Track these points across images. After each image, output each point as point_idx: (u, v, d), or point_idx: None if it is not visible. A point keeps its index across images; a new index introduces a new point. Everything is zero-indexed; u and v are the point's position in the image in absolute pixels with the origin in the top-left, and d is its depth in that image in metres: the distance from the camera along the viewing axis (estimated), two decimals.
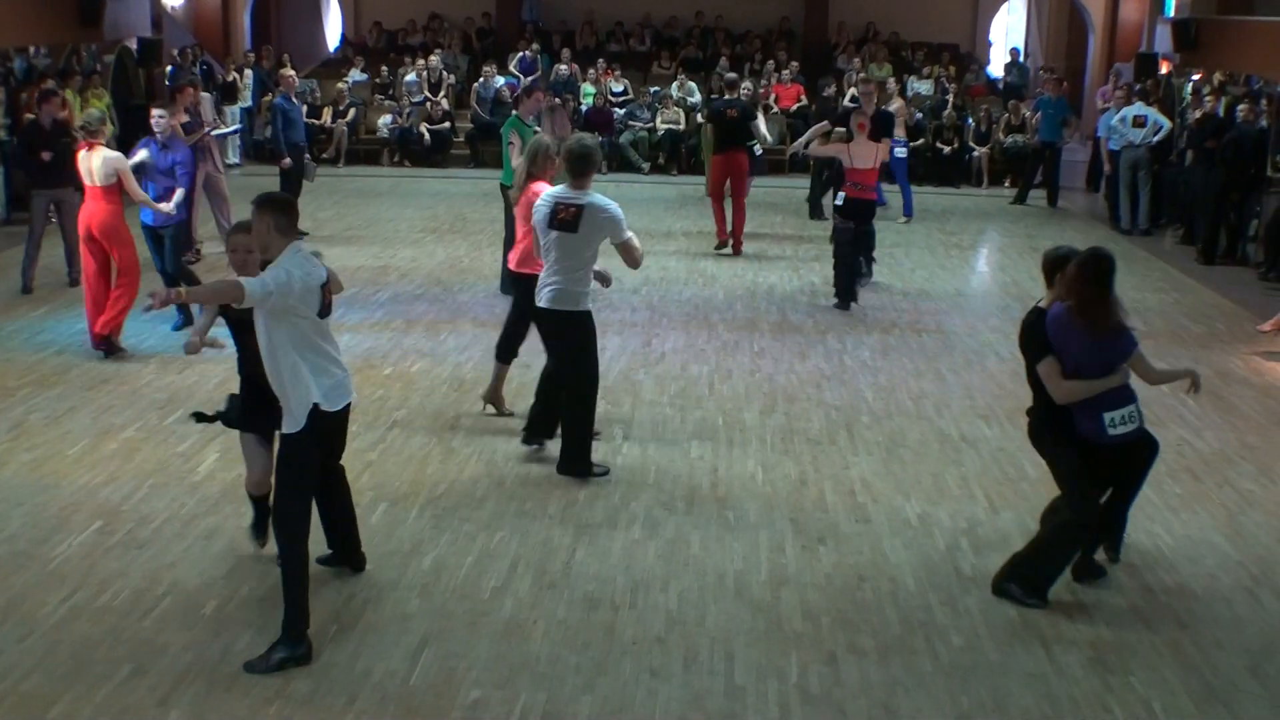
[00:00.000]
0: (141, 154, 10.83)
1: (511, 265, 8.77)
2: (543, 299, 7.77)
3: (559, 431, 8.04)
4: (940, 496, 7.75)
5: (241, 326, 6.05)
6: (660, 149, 21.46)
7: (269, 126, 18.07)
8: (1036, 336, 6.27)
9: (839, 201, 12.36)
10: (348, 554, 6.48)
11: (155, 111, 11.20)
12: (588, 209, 7.60)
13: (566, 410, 7.92)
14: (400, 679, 5.53)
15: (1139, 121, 17.10)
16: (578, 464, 7.83)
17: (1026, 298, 7.48)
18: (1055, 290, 6.27)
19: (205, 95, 15.40)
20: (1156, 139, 17.06)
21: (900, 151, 16.48)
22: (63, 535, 6.86)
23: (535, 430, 8.27)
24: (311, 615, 5.77)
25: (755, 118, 15.41)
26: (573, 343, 7.83)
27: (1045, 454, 6.49)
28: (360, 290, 12.60)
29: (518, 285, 8.63)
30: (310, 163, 15.37)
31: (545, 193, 7.88)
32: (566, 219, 7.60)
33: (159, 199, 10.65)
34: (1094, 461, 6.31)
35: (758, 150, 15.18)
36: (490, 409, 8.99)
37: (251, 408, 6.29)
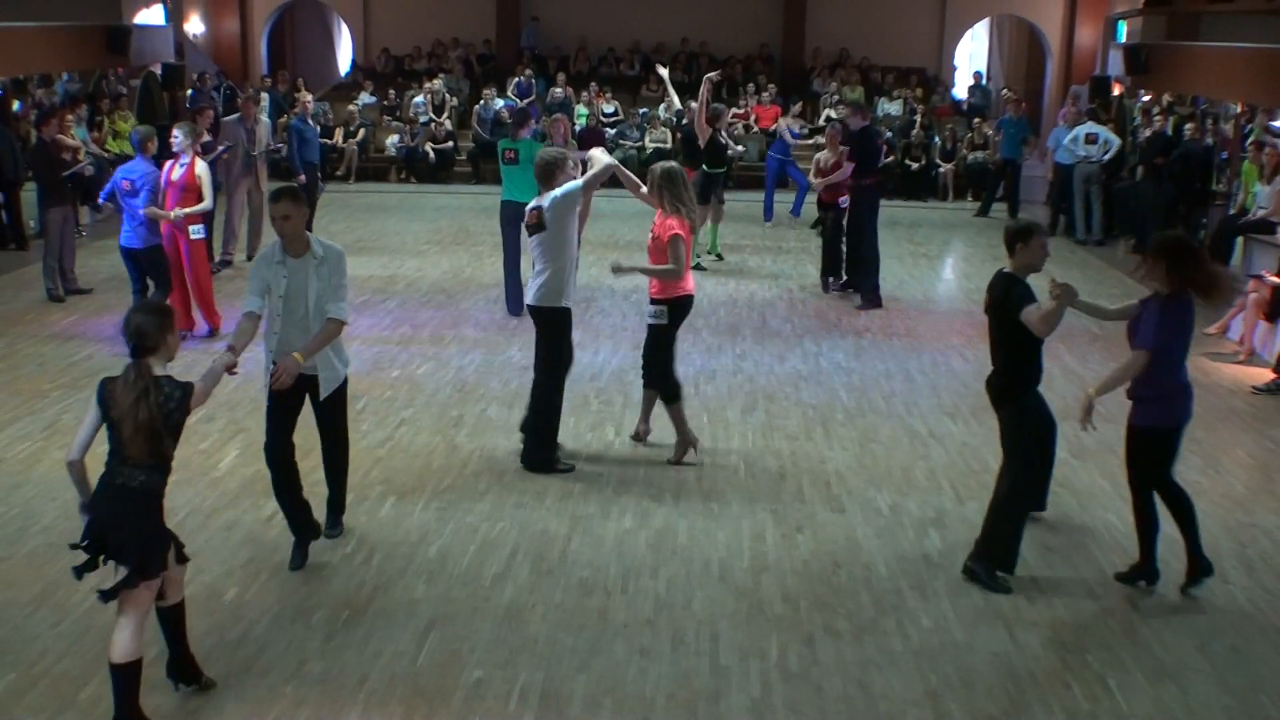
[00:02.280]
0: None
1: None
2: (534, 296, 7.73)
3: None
4: (910, 488, 7.76)
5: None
6: (649, 166, 21.41)
7: (284, 146, 18.02)
8: (1019, 288, 6.17)
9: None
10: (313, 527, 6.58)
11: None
12: (546, 206, 7.60)
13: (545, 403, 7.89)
14: (408, 660, 5.52)
15: (1090, 139, 17.16)
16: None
17: None
18: (1017, 260, 6.24)
19: (264, 119, 15.26)
20: (1107, 156, 17.12)
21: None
22: None
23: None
24: (324, 602, 5.79)
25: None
26: (556, 336, 7.83)
27: (1009, 414, 6.35)
28: (369, 298, 12.59)
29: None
30: (320, 181, 15.35)
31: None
32: (532, 222, 7.63)
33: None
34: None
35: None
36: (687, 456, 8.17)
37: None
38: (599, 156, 8.06)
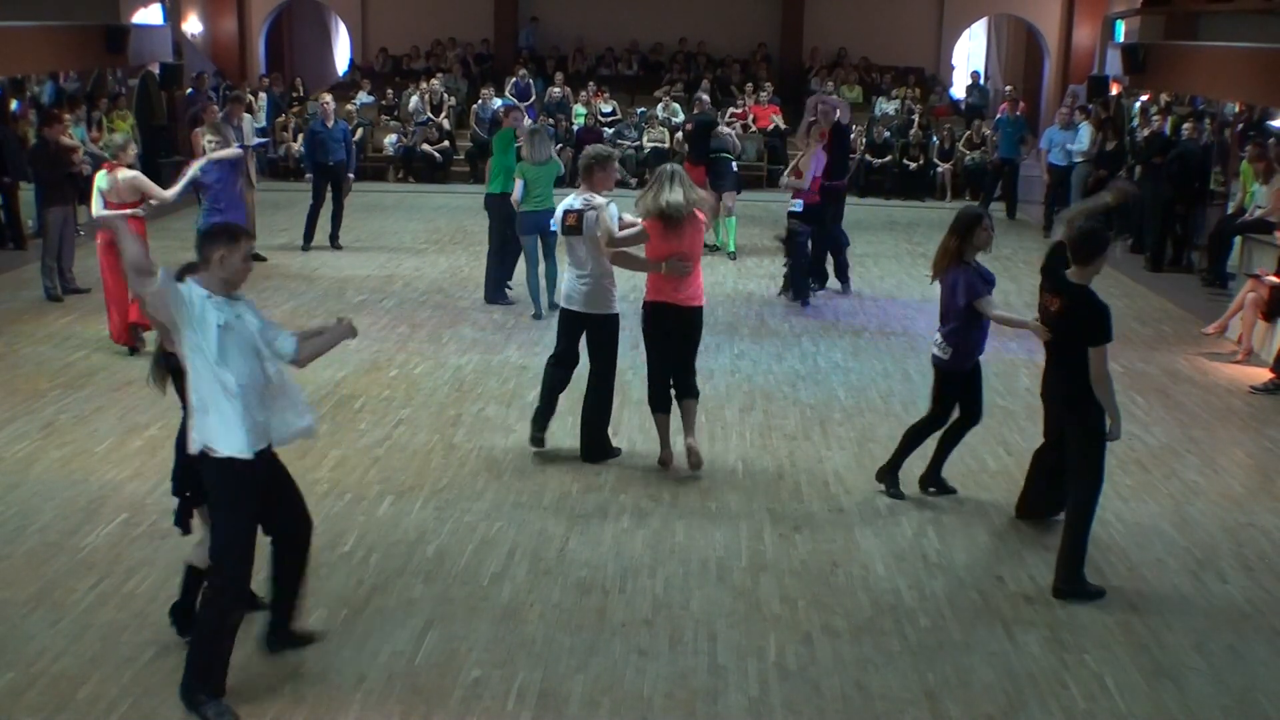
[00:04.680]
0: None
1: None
2: (580, 302, 7.75)
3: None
4: (908, 488, 7.75)
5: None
6: (647, 165, 21.44)
7: (282, 146, 18.05)
8: (1109, 322, 6.13)
9: (796, 208, 12.40)
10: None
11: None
12: (584, 212, 7.67)
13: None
14: (406, 659, 5.52)
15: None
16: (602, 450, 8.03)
17: None
18: (1088, 272, 6.15)
19: (246, 116, 15.32)
20: (1082, 145, 17.30)
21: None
22: (91, 526, 6.84)
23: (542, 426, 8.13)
24: (322, 601, 5.79)
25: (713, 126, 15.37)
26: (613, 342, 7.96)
27: (1079, 430, 6.23)
28: (368, 298, 12.59)
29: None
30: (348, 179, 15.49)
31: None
32: (571, 224, 7.67)
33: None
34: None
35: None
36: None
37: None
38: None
